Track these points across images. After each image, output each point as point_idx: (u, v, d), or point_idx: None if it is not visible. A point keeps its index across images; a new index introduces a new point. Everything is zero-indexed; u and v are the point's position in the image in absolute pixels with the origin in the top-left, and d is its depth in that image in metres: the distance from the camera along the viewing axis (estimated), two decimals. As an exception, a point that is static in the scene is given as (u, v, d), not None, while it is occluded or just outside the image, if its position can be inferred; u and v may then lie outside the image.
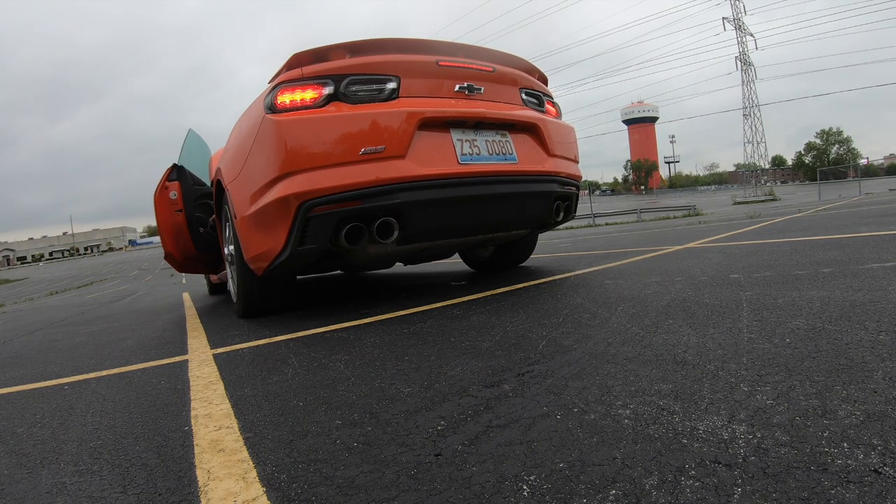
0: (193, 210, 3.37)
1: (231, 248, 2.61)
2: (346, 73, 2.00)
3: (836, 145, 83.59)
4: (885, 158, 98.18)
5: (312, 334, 1.83)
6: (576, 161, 2.75)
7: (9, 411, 1.33)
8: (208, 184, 3.55)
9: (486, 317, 1.76)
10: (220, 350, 1.79)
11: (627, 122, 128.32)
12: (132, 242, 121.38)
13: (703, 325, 1.30)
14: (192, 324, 2.71)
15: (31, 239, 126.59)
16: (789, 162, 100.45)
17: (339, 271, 3.30)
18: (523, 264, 3.51)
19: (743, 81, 43.28)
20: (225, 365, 1.54)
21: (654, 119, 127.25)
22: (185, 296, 5.55)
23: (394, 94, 2.06)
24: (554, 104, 2.78)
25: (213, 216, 3.15)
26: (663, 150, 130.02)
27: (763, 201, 30.08)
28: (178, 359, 1.75)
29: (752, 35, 43.34)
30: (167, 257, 3.53)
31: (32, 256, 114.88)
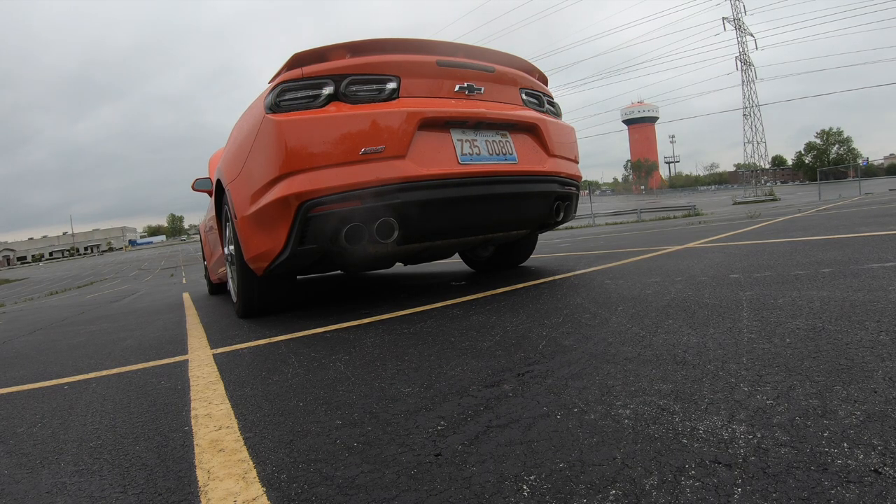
0: None
1: (231, 248, 2.61)
2: (347, 74, 1.99)
3: (837, 145, 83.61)
4: (885, 158, 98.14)
5: (312, 334, 1.83)
6: (576, 161, 2.75)
7: (9, 411, 1.33)
8: None
9: (486, 317, 1.76)
10: (220, 350, 1.79)
11: (627, 122, 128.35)
12: (132, 242, 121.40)
13: (703, 325, 1.30)
14: (192, 324, 2.71)
15: (31, 239, 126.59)
16: (789, 162, 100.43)
17: (339, 271, 3.30)
18: (523, 264, 3.51)
19: (743, 81, 43.26)
20: (225, 365, 1.54)
21: (654, 119, 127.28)
22: (185, 296, 5.55)
23: (394, 94, 2.06)
24: (554, 104, 2.78)
25: (212, 216, 3.15)
26: (663, 150, 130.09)
27: (763, 201, 30.07)
28: (178, 359, 1.75)
29: (752, 35, 43.27)
30: None
31: (32, 256, 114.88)
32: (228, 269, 2.86)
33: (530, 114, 2.45)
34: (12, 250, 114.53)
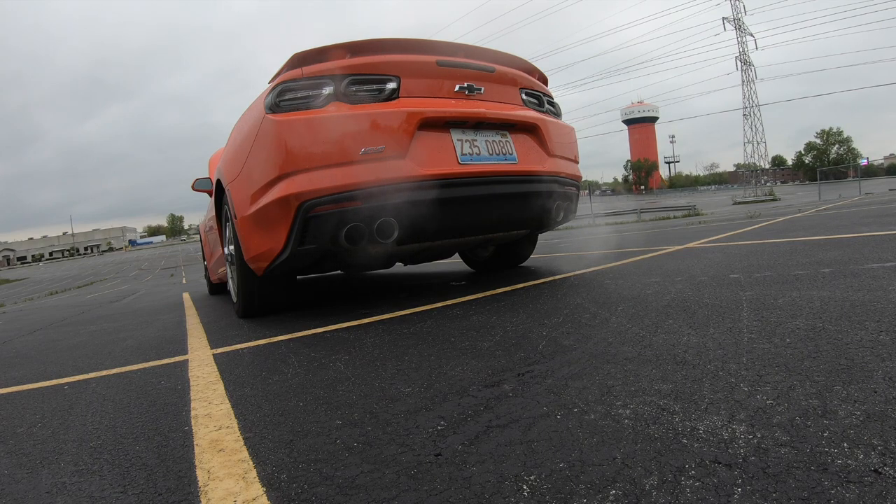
0: None
1: (231, 248, 2.61)
2: (347, 74, 1.99)
3: (836, 145, 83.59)
4: (885, 158, 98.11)
5: (312, 334, 1.83)
6: (576, 161, 2.75)
7: (9, 411, 1.33)
8: None
9: (486, 317, 1.76)
10: (220, 350, 1.79)
11: (627, 122, 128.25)
12: (132, 242, 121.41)
13: (703, 325, 1.29)
14: (192, 324, 2.71)
15: (31, 239, 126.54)
16: (789, 162, 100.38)
17: (339, 271, 3.30)
18: (523, 264, 3.51)
19: (743, 81, 43.24)
20: (225, 365, 1.54)
21: (654, 119, 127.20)
22: (185, 296, 5.55)
23: (394, 94, 2.06)
24: (554, 104, 2.78)
25: (212, 216, 3.15)
26: (663, 150, 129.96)
27: (763, 201, 30.07)
28: (178, 359, 1.75)
29: (752, 35, 43.27)
30: None
31: (32, 256, 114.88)
32: (228, 269, 2.86)
33: (530, 114, 2.45)
34: (12, 250, 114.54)
